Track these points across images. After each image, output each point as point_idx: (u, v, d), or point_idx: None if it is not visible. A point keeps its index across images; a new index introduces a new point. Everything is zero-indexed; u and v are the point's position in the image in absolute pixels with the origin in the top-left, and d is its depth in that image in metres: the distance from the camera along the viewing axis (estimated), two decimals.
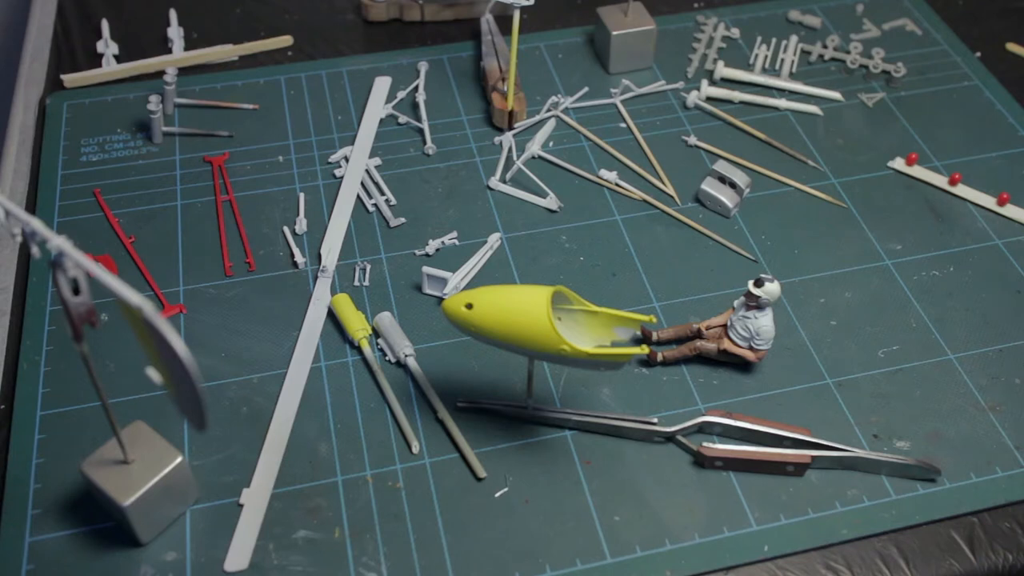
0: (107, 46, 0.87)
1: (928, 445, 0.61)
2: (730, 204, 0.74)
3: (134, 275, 0.70)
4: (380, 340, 0.65)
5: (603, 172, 0.77)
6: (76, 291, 0.45)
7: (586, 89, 0.85)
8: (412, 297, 0.69)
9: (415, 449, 0.60)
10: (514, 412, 0.62)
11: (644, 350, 0.55)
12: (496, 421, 0.62)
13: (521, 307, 0.53)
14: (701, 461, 0.60)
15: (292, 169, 0.78)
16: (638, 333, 0.56)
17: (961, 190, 0.77)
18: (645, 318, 0.56)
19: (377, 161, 0.78)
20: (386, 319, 0.66)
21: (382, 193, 0.76)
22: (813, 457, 0.59)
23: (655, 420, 0.61)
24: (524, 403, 0.61)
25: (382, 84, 0.85)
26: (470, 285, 0.69)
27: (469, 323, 0.55)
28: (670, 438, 0.61)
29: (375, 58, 0.88)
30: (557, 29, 0.92)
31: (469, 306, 0.54)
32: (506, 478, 0.59)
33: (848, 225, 0.74)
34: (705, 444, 0.60)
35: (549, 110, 0.83)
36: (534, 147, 0.79)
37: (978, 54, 0.89)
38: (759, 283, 0.61)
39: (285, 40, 0.90)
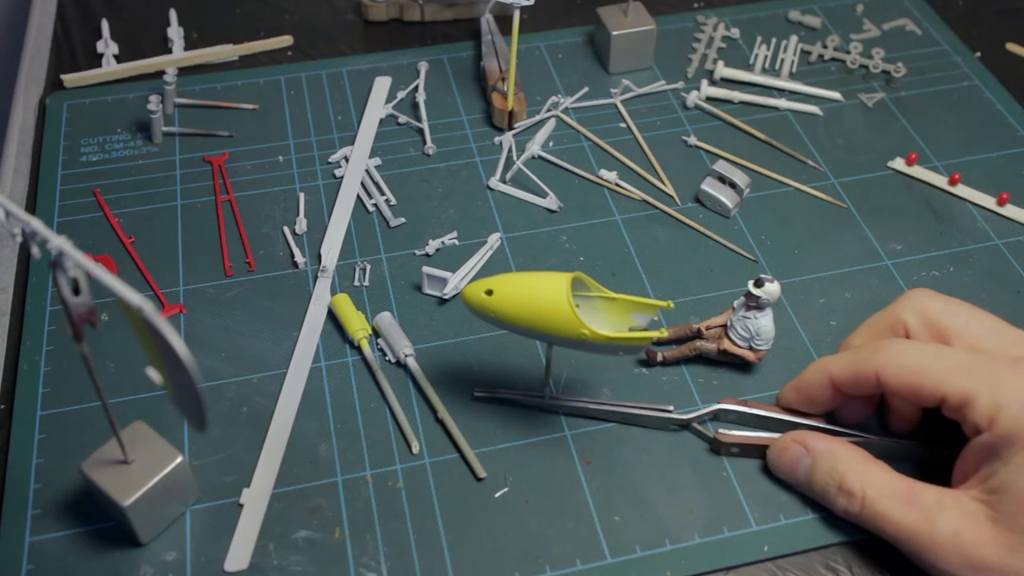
0: (107, 46, 0.87)
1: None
2: (730, 204, 0.74)
3: (134, 275, 0.70)
4: (380, 340, 0.65)
5: (603, 172, 0.77)
6: (76, 291, 0.44)
7: (586, 89, 0.85)
8: (412, 297, 0.69)
9: (415, 449, 0.60)
10: (531, 401, 0.62)
11: (662, 333, 0.55)
12: (496, 421, 0.62)
13: (541, 293, 0.54)
14: (717, 448, 0.60)
15: (292, 169, 0.78)
16: (655, 318, 0.57)
17: (961, 190, 0.77)
18: (663, 303, 0.56)
19: (377, 161, 0.78)
20: (386, 319, 0.66)
21: (382, 193, 0.76)
22: None
23: (671, 408, 0.61)
24: (541, 392, 0.62)
25: (382, 84, 0.85)
26: None
27: (489, 309, 0.55)
28: (685, 426, 0.61)
29: (375, 58, 0.88)
30: (557, 29, 0.92)
31: (489, 292, 0.55)
32: (506, 478, 0.59)
33: (848, 225, 0.74)
34: (721, 431, 0.60)
35: (549, 110, 0.83)
36: (534, 147, 0.79)
37: (978, 54, 0.89)
38: (759, 283, 0.61)
39: (285, 40, 0.90)
